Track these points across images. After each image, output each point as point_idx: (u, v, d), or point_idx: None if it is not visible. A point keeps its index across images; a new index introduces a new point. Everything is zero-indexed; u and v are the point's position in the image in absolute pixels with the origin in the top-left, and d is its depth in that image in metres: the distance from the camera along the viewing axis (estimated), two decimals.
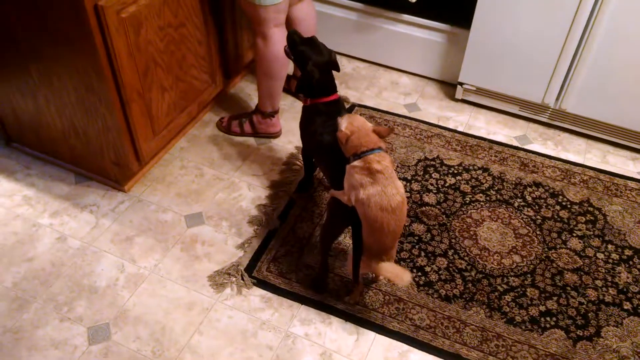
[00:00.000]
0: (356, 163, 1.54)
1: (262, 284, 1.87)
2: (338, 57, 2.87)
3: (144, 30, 1.87)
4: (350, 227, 1.71)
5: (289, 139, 2.41)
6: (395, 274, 1.56)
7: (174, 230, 2.03)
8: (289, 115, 2.53)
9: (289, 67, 2.28)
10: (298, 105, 2.59)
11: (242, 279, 1.88)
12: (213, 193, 2.17)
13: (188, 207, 2.11)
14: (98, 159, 2.11)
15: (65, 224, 2.05)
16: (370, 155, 1.53)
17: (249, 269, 1.91)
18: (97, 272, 1.90)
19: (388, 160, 1.55)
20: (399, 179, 2.18)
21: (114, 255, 1.95)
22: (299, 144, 2.38)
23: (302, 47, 1.82)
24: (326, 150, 1.74)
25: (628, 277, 1.91)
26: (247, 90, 2.67)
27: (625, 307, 1.83)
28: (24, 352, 1.69)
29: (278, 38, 2.10)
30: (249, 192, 2.18)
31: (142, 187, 2.18)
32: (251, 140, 2.40)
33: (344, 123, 1.60)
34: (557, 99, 2.39)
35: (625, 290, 1.88)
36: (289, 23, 2.29)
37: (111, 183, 2.17)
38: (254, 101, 2.58)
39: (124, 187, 2.15)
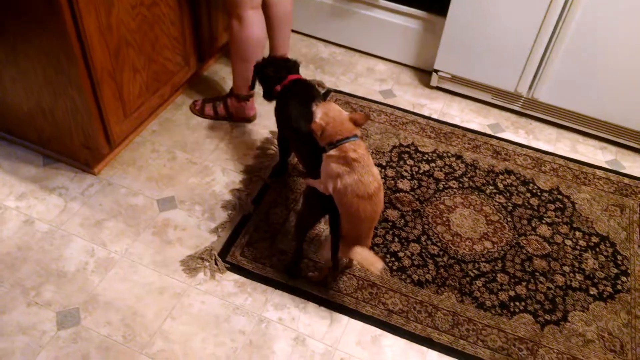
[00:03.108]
0: (332, 152, 1.53)
1: (236, 268, 1.86)
2: (315, 42, 2.86)
3: (115, 9, 1.81)
4: (327, 215, 1.70)
5: (263, 123, 2.39)
6: (367, 259, 1.57)
7: (145, 214, 2.00)
8: (264, 100, 2.50)
9: (265, 50, 2.25)
10: None
11: (216, 264, 1.86)
12: (185, 177, 2.14)
13: (160, 191, 2.08)
14: (67, 141, 2.05)
15: (32, 206, 2.00)
16: (346, 144, 1.52)
17: (223, 253, 1.89)
18: (66, 256, 1.86)
19: (364, 147, 1.55)
20: (374, 165, 2.19)
21: (83, 239, 1.91)
22: (274, 128, 2.36)
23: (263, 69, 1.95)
24: (302, 138, 1.72)
25: (594, 264, 1.96)
26: (222, 73, 2.63)
27: (592, 293, 1.88)
28: None
29: (254, 20, 2.07)
30: (222, 177, 2.15)
31: (113, 170, 2.14)
32: (225, 124, 2.37)
33: (319, 113, 1.58)
34: (530, 88, 2.42)
35: (591, 276, 1.93)
36: (265, 6, 2.26)
37: (81, 165, 2.12)
38: (228, 84, 2.54)
39: (93, 169, 2.11)
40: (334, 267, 1.77)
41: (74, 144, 2.05)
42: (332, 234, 1.65)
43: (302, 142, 1.74)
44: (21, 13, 1.70)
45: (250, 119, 2.38)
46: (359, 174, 1.51)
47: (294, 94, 1.82)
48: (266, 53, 2.53)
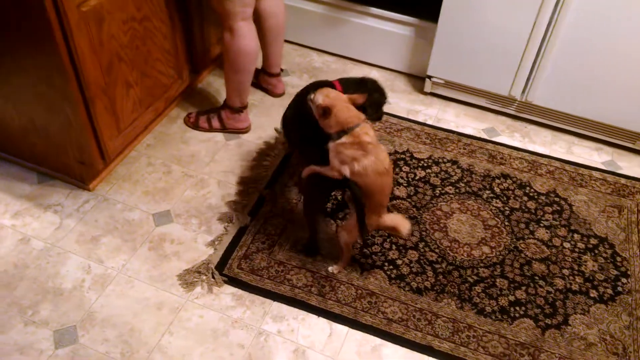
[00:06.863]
0: (344, 140, 1.62)
1: (234, 281, 1.85)
2: (308, 51, 2.86)
3: (106, 24, 1.81)
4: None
5: (258, 135, 2.38)
6: (399, 222, 1.70)
7: (142, 229, 1.99)
8: (258, 111, 2.50)
9: (258, 61, 2.25)
10: (267, 100, 2.57)
11: (213, 277, 1.85)
12: (181, 190, 2.13)
13: (156, 205, 2.07)
14: (61, 157, 2.05)
15: (28, 224, 1.99)
16: (357, 129, 1.62)
17: (220, 266, 1.88)
18: (62, 273, 1.84)
19: (372, 130, 1.67)
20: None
21: (79, 256, 1.90)
22: (269, 139, 2.36)
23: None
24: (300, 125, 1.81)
25: (594, 266, 1.96)
26: (216, 85, 2.63)
27: (592, 295, 1.87)
28: None
29: (245, 32, 2.07)
30: (218, 189, 2.15)
31: (108, 186, 2.13)
32: (220, 136, 2.37)
33: (319, 97, 1.66)
34: (524, 91, 2.42)
35: (591, 278, 1.92)
36: (259, 18, 2.26)
37: (75, 182, 2.11)
38: (222, 96, 2.53)
39: (88, 185, 2.10)
40: (362, 237, 1.86)
41: (68, 160, 2.04)
42: (357, 215, 1.70)
43: (307, 137, 1.80)
44: (11, 30, 1.70)
45: (244, 131, 2.38)
46: (375, 154, 1.62)
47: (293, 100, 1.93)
48: (259, 64, 2.55)
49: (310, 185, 1.80)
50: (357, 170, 1.61)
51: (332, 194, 1.89)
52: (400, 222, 1.70)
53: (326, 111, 1.62)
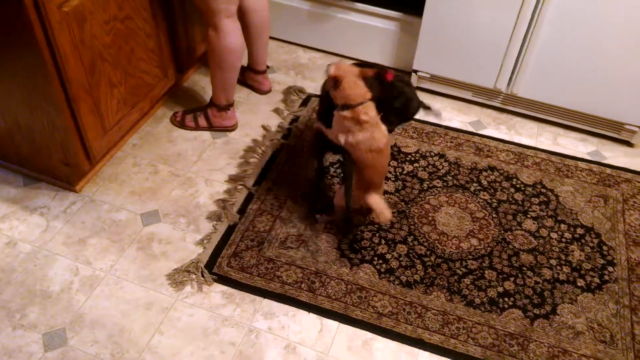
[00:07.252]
0: (346, 113, 1.70)
1: (223, 279, 1.85)
2: (294, 48, 2.85)
3: (88, 24, 1.80)
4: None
5: (245, 132, 2.38)
6: (380, 206, 1.76)
7: (129, 229, 1.98)
8: (245, 108, 2.50)
9: (243, 58, 2.25)
10: (254, 97, 2.56)
11: (202, 276, 1.85)
12: (169, 190, 2.12)
13: (143, 205, 2.06)
14: (46, 159, 2.03)
15: (14, 227, 1.97)
16: (359, 107, 1.69)
17: (209, 265, 1.88)
18: (50, 276, 1.83)
19: (373, 110, 1.73)
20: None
21: (67, 258, 1.89)
22: (256, 136, 2.36)
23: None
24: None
25: (581, 255, 1.97)
26: (201, 83, 2.62)
27: (579, 284, 1.89)
28: None
29: (230, 29, 2.06)
30: (206, 188, 2.14)
31: (94, 187, 2.12)
32: (207, 135, 2.36)
33: (331, 68, 1.73)
34: (509, 84, 2.44)
35: (578, 267, 1.94)
36: (243, 14, 2.25)
37: (62, 183, 2.10)
38: (208, 94, 2.53)
39: (75, 187, 2.08)
40: (347, 210, 1.88)
41: (53, 162, 2.02)
42: (344, 183, 1.81)
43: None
44: None
45: (231, 129, 2.37)
46: (370, 132, 1.70)
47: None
48: (245, 61, 2.54)
49: (314, 136, 1.94)
50: (350, 141, 1.71)
51: (330, 153, 2.03)
52: (380, 207, 1.75)
53: (336, 82, 1.69)
